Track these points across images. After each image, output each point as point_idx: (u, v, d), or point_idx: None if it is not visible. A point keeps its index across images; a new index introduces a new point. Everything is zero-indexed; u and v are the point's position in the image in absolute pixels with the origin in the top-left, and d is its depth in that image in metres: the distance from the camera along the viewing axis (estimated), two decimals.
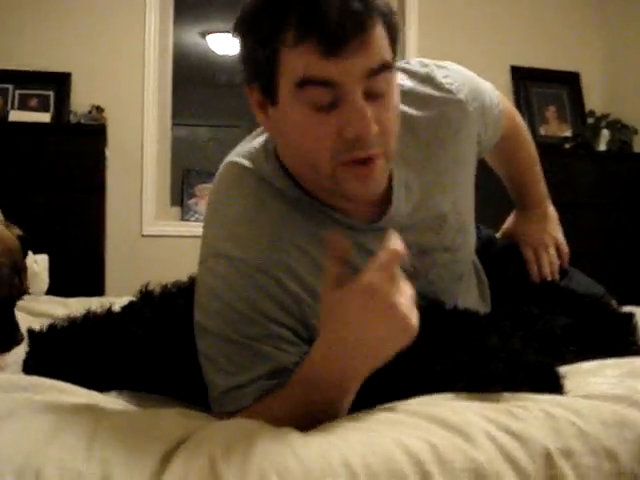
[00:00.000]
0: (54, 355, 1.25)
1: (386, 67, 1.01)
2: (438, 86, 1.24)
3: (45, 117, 3.50)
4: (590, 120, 4.21)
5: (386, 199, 1.16)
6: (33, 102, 3.63)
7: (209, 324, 1.09)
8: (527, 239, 1.58)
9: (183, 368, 1.19)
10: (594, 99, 4.36)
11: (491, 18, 4.29)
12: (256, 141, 1.20)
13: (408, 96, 1.19)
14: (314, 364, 0.96)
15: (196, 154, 5.01)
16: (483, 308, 1.40)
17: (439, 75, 1.25)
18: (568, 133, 4.22)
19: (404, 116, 1.13)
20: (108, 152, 3.53)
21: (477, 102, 1.28)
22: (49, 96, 3.66)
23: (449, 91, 1.24)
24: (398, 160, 1.14)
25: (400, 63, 1.24)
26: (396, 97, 1.06)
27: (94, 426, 0.81)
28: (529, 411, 0.87)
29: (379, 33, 1.00)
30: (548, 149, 4.05)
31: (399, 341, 0.90)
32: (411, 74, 1.25)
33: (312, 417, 0.94)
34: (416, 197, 1.20)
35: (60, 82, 3.66)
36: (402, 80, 1.19)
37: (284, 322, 1.07)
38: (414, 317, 0.89)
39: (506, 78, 4.26)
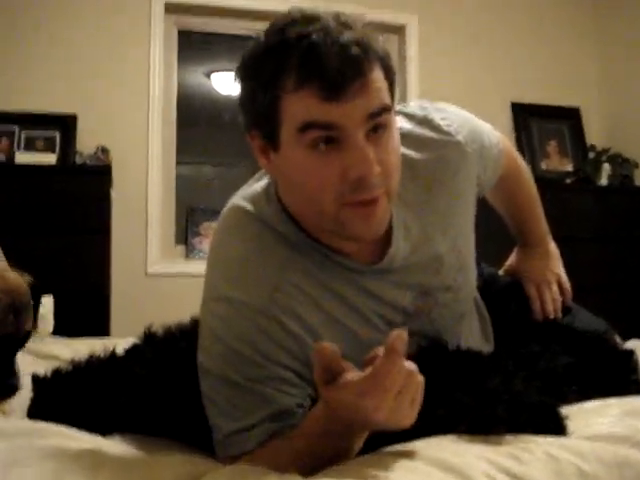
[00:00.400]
0: (58, 400, 1.25)
1: (385, 109, 1.03)
2: (436, 128, 1.25)
3: (51, 158, 3.53)
4: (591, 154, 4.23)
5: (386, 240, 1.17)
6: (39, 143, 3.66)
7: (212, 366, 1.09)
8: (529, 276, 1.59)
9: (187, 411, 1.19)
10: (595, 133, 4.39)
11: (490, 56, 4.34)
12: (258, 184, 1.22)
13: (407, 138, 1.20)
14: (318, 420, 0.97)
15: (200, 192, 5.04)
16: (486, 346, 1.40)
17: (437, 117, 1.27)
18: (569, 168, 4.24)
19: (404, 158, 1.14)
20: (113, 192, 3.56)
21: (476, 143, 1.30)
22: (55, 137, 3.69)
23: (447, 133, 1.26)
24: (398, 201, 1.15)
25: (398, 106, 1.26)
26: (396, 137, 1.08)
27: (95, 474, 0.82)
28: (532, 454, 0.87)
29: (377, 77, 1.02)
30: (550, 184, 4.07)
31: (397, 426, 0.89)
32: (409, 117, 1.27)
33: (318, 464, 0.94)
34: (415, 238, 1.21)
35: (66, 123, 3.70)
36: (401, 123, 1.21)
37: (286, 364, 1.08)
38: (415, 411, 0.89)
39: (507, 115, 4.30)
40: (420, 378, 0.88)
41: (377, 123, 1.02)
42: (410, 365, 0.87)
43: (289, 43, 1.00)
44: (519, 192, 1.57)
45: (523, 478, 0.82)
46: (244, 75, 1.07)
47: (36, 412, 1.26)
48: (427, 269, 1.23)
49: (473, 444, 0.91)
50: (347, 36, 0.99)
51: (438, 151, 1.24)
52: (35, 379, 1.32)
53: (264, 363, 1.06)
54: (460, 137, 1.27)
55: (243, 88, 1.08)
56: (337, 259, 1.15)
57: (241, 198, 1.21)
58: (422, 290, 1.23)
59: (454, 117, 1.30)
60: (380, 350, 0.86)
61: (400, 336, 0.83)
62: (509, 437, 0.93)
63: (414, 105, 1.31)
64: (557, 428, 0.99)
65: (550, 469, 0.84)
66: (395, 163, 1.06)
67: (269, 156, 1.09)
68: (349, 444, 0.96)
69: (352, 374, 0.87)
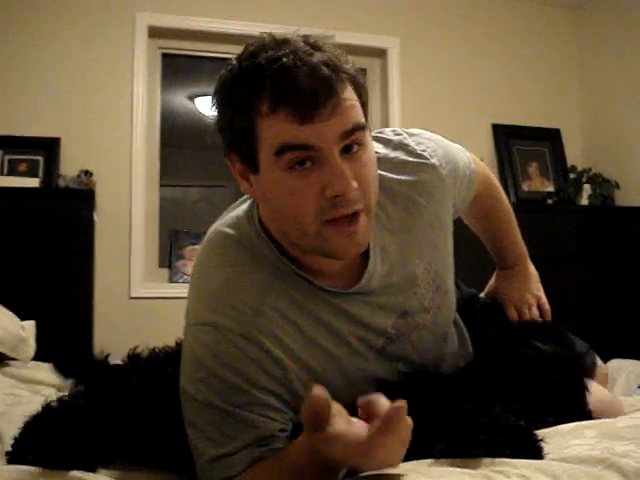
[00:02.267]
0: (40, 441, 1.22)
1: (359, 127, 1.05)
2: (411, 152, 1.28)
3: (34, 182, 3.51)
4: (572, 175, 4.27)
5: (364, 262, 1.19)
6: (22, 167, 3.65)
7: (194, 392, 1.09)
8: (509, 298, 1.60)
9: (171, 439, 1.18)
10: (575, 154, 4.43)
11: (472, 78, 4.38)
12: (240, 208, 1.23)
13: (384, 162, 1.23)
14: (304, 452, 0.95)
15: (185, 215, 5.04)
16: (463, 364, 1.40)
17: (411, 142, 1.30)
18: (550, 188, 4.28)
19: (382, 181, 1.16)
20: (96, 216, 3.56)
21: (450, 165, 1.32)
22: (38, 161, 3.68)
23: (422, 156, 1.28)
24: (375, 222, 1.17)
25: (374, 132, 1.28)
26: (372, 154, 1.10)
27: None
28: (507, 476, 0.88)
29: (349, 95, 1.04)
30: (531, 205, 4.11)
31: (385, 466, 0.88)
32: (385, 142, 1.29)
33: None
34: (392, 258, 1.23)
35: (49, 147, 3.69)
36: (377, 148, 1.22)
37: (269, 388, 1.09)
38: (403, 451, 0.88)
39: (488, 136, 4.34)
40: (410, 421, 0.85)
41: (352, 141, 1.04)
42: (402, 409, 0.83)
43: (261, 67, 1.02)
44: (494, 211, 1.59)
45: None
46: (219, 101, 1.09)
47: (17, 456, 1.22)
48: (405, 291, 1.25)
49: (449, 467, 0.92)
50: (317, 57, 1.02)
51: (414, 174, 1.26)
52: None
53: (247, 388, 1.07)
54: (434, 160, 1.29)
55: (219, 113, 1.09)
56: (315, 282, 1.16)
57: (223, 223, 1.22)
58: (402, 311, 1.24)
59: (427, 141, 1.32)
60: (375, 398, 0.85)
61: (400, 409, 0.81)
62: (486, 460, 0.94)
63: (388, 131, 1.34)
64: (533, 450, 1.00)
65: None
66: (372, 178, 1.08)
67: (249, 179, 1.10)
68: (334, 476, 0.96)
69: (342, 423, 0.83)
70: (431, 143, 1.32)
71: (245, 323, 1.09)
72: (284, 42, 1.04)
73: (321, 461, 0.91)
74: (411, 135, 1.32)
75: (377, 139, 1.28)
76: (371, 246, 1.19)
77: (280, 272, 1.15)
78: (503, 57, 4.46)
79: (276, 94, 1.01)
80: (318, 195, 1.03)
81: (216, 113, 1.11)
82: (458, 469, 0.90)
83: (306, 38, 1.06)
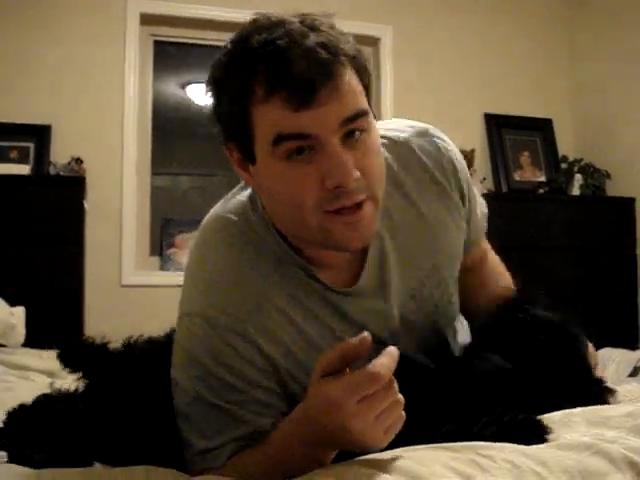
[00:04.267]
0: (27, 433, 1.20)
1: (361, 113, 0.99)
2: (432, 143, 1.24)
3: (24, 169, 3.51)
4: (563, 165, 4.28)
5: (363, 262, 1.16)
6: (13, 154, 3.64)
7: (186, 385, 1.08)
8: None
9: (162, 431, 1.17)
10: (567, 144, 4.44)
11: (464, 68, 4.38)
12: (242, 194, 1.18)
13: (392, 151, 1.19)
14: (294, 424, 0.96)
15: (176, 203, 5.02)
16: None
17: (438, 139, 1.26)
18: (542, 178, 4.29)
19: (387, 169, 1.10)
20: (87, 203, 3.55)
21: (465, 182, 1.28)
22: (29, 148, 3.67)
23: (442, 149, 1.24)
24: (382, 215, 1.12)
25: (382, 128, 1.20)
26: (377, 141, 1.04)
27: None
28: (494, 461, 0.87)
29: (349, 79, 0.98)
30: (522, 194, 4.12)
31: (365, 445, 0.90)
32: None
33: (289, 473, 0.93)
34: (392, 260, 1.18)
35: (40, 134, 3.68)
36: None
37: (261, 384, 1.06)
38: (388, 439, 0.90)
39: (480, 126, 4.34)
40: (404, 414, 0.89)
41: (353, 127, 0.98)
42: (400, 396, 0.89)
43: (254, 51, 0.97)
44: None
45: None
46: (213, 88, 1.04)
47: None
48: (406, 293, 1.20)
49: (438, 452, 0.92)
50: (312, 39, 0.96)
51: (430, 160, 1.22)
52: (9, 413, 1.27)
53: (241, 386, 1.05)
54: (452, 154, 1.26)
55: (214, 101, 1.05)
56: (318, 277, 1.12)
57: (224, 208, 1.17)
58: (400, 315, 1.20)
59: (452, 146, 1.29)
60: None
61: (393, 353, 0.87)
62: (473, 444, 0.94)
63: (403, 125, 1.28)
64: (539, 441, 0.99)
65: (512, 477, 0.84)
66: (377, 167, 1.03)
67: (248, 170, 1.06)
68: (321, 455, 0.94)
69: None
70: (455, 149, 1.29)
71: (240, 319, 1.06)
72: (278, 23, 0.98)
73: (309, 439, 0.92)
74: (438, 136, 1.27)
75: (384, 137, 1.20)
76: (370, 247, 1.14)
77: (281, 265, 1.10)
78: (496, 46, 4.45)
79: (270, 80, 0.95)
80: (318, 185, 0.97)
81: (211, 101, 1.06)
82: (444, 453, 0.90)
83: (303, 18, 1.00)
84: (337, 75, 0.96)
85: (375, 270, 1.16)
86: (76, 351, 1.30)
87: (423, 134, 1.24)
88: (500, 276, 1.44)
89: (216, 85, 1.04)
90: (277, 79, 0.95)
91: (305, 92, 0.94)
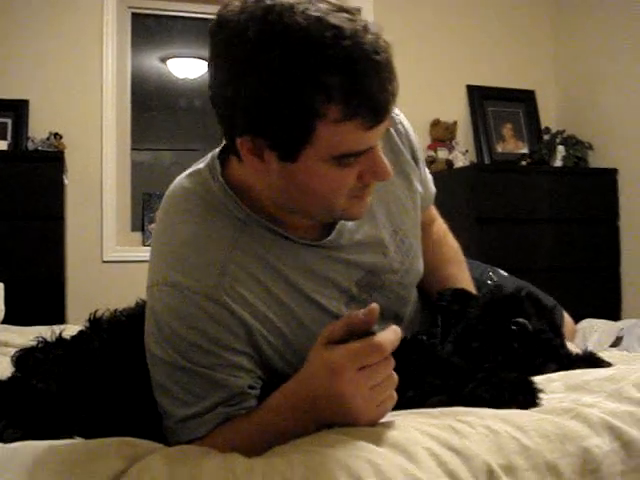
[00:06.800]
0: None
1: None
2: None
3: (2, 145, 3.47)
4: (546, 137, 4.28)
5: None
6: None
7: (161, 354, 1.07)
8: None
9: (138, 401, 1.16)
10: (549, 116, 4.44)
11: (446, 39, 4.35)
12: (199, 164, 1.19)
13: None
14: (288, 393, 0.98)
15: (158, 178, 4.99)
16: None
17: None
18: (524, 150, 4.29)
19: None
20: (67, 179, 3.51)
21: (412, 136, 1.34)
22: (6, 123, 3.63)
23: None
24: None
25: None
26: None
27: (34, 462, 0.80)
28: (472, 427, 0.87)
29: None
30: (505, 166, 4.13)
31: (357, 417, 0.91)
32: None
33: (278, 441, 0.93)
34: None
35: (18, 109, 3.64)
36: None
37: (236, 348, 1.07)
38: (381, 414, 0.92)
39: (463, 97, 4.33)
40: (395, 395, 0.93)
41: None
42: (395, 375, 0.92)
43: (326, 57, 0.92)
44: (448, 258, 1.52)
45: (464, 452, 0.82)
46: (256, 73, 0.94)
47: None
48: (373, 249, 1.23)
49: (415, 417, 0.92)
50: (381, 57, 0.95)
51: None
52: None
53: (214, 349, 1.05)
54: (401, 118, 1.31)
55: (249, 86, 0.95)
56: (285, 234, 1.13)
57: (184, 180, 1.19)
58: (369, 269, 1.22)
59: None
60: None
61: (397, 330, 0.91)
62: (450, 410, 0.94)
63: None
64: (535, 402, 1.00)
65: (490, 442, 0.85)
66: None
67: (264, 158, 1.01)
68: (310, 428, 0.95)
69: None
70: (402, 115, 1.34)
71: (208, 283, 1.06)
72: (343, 24, 0.93)
73: (301, 406, 0.95)
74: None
75: None
76: None
77: (247, 227, 1.12)
78: (478, 18, 4.42)
79: (349, 103, 0.93)
80: (355, 180, 1.03)
81: (231, 79, 0.97)
82: (423, 420, 0.90)
83: (345, 9, 0.97)
84: (397, 94, 0.99)
85: (347, 224, 1.19)
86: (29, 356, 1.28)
87: None
88: (445, 247, 1.52)
89: (257, 76, 0.94)
90: (358, 103, 0.94)
91: (381, 116, 0.97)
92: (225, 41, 0.98)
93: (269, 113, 0.95)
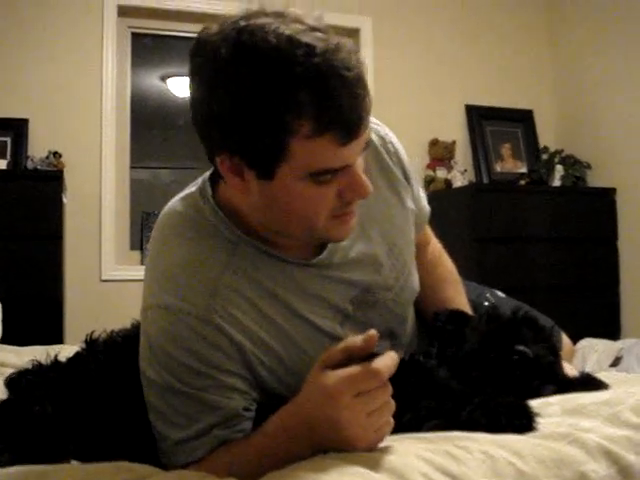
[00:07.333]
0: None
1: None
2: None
3: (1, 164, 3.48)
4: (544, 156, 4.28)
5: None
6: None
7: (155, 376, 1.08)
8: None
9: (133, 424, 1.15)
10: (548, 136, 4.45)
11: (444, 59, 4.37)
12: (190, 188, 1.21)
13: None
14: (285, 418, 0.98)
15: (157, 197, 5.00)
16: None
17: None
18: (523, 169, 4.30)
19: None
20: (66, 197, 3.51)
21: (403, 155, 1.34)
22: (6, 142, 3.63)
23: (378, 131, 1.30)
24: None
25: None
26: None
27: None
28: (469, 452, 0.87)
29: None
30: (504, 186, 4.13)
31: (354, 443, 0.90)
32: None
33: (273, 466, 0.92)
34: (354, 232, 1.19)
35: (17, 128, 3.64)
36: None
37: (229, 369, 1.07)
38: (378, 440, 0.92)
39: (461, 117, 4.34)
40: (392, 421, 0.93)
41: (365, 147, 1.04)
42: (392, 401, 0.92)
43: (294, 76, 0.92)
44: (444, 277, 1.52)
45: (460, 478, 0.82)
46: (227, 90, 0.96)
47: None
48: (366, 267, 1.23)
49: (412, 442, 0.91)
50: (352, 73, 0.95)
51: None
52: None
53: (206, 371, 1.05)
54: (385, 132, 1.32)
55: (222, 103, 0.97)
56: (276, 254, 1.14)
57: (177, 201, 1.20)
58: (364, 287, 1.22)
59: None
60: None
61: (393, 356, 0.91)
62: (447, 435, 0.93)
63: None
64: (532, 427, 0.99)
65: (487, 467, 0.84)
66: None
67: (244, 177, 1.02)
68: (306, 454, 0.94)
69: None
70: (392, 134, 1.35)
71: (201, 305, 1.06)
72: (311, 42, 0.94)
73: (298, 433, 0.94)
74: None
75: None
76: None
77: (238, 248, 1.12)
78: (476, 38, 4.45)
79: (320, 119, 0.93)
80: (335, 198, 1.03)
81: (210, 96, 0.98)
82: (420, 445, 0.90)
83: (318, 29, 0.97)
84: (370, 109, 1.00)
85: (336, 243, 1.18)
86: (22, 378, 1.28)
87: None
88: (440, 267, 1.52)
89: (234, 92, 0.95)
90: (329, 119, 0.94)
91: (352, 132, 0.97)
92: (200, 61, 1.00)
93: (242, 129, 0.96)
